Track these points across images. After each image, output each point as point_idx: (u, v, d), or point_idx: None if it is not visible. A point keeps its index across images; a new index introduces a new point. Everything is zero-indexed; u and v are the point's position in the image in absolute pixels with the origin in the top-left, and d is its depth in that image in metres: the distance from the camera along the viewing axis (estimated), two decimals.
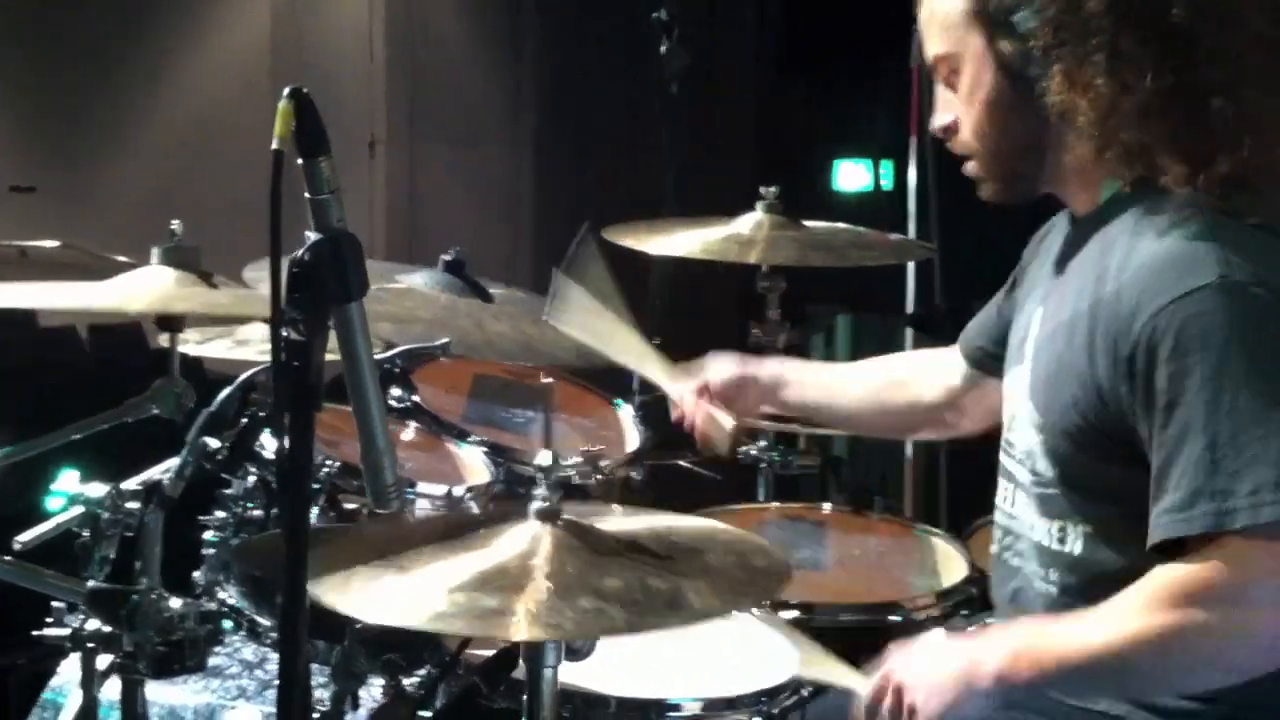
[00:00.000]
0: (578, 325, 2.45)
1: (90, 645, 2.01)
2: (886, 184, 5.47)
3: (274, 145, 1.41)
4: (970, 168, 1.93)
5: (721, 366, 2.43)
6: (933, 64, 1.91)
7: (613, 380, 2.92)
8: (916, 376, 2.38)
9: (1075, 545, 1.83)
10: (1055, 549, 1.85)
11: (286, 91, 1.44)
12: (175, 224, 2.29)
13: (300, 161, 1.47)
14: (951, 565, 2.79)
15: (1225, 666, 1.71)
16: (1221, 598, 1.66)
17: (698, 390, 2.41)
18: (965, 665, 1.78)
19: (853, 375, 2.47)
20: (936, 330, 4.23)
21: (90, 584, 2.00)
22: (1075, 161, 1.83)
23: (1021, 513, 1.92)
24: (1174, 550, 1.70)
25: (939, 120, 1.93)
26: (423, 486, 2.39)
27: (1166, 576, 1.69)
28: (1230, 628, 1.67)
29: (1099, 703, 1.83)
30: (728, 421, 2.39)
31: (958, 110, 1.90)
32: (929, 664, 1.82)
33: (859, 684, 1.92)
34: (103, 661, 2.03)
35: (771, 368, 2.46)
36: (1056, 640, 1.76)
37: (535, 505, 1.72)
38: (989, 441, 2.45)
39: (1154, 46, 1.73)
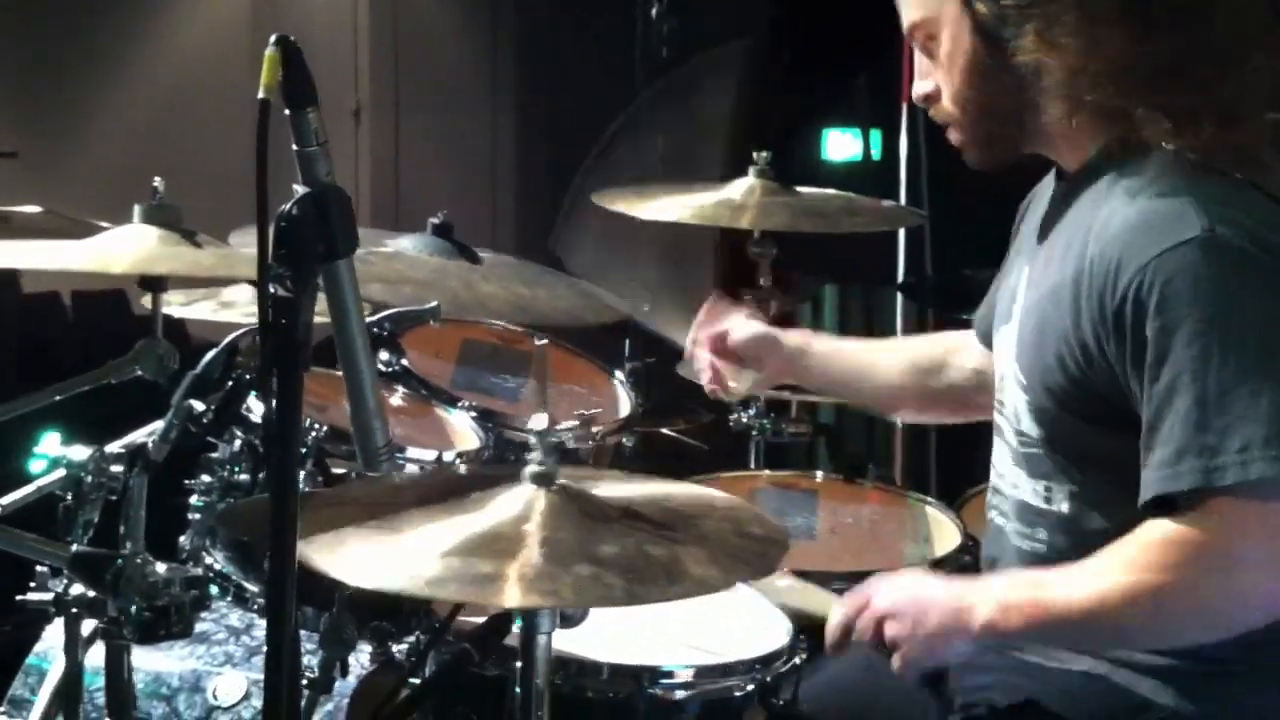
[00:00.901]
0: (586, 262, 2.39)
1: (74, 611, 1.97)
2: (876, 154, 5.44)
3: (260, 95, 1.37)
4: (952, 135, 1.92)
5: (744, 322, 2.34)
6: (910, 31, 1.89)
7: (604, 346, 2.90)
8: (948, 359, 2.31)
9: (1061, 504, 1.82)
10: (1041, 507, 1.85)
11: (273, 39, 1.40)
12: (157, 181, 2.25)
13: (287, 113, 1.43)
14: (944, 533, 2.78)
15: (1212, 624, 1.70)
16: (1210, 557, 1.65)
17: (715, 338, 2.35)
18: (952, 611, 1.76)
19: (882, 357, 2.37)
20: (927, 298, 4.22)
21: (74, 548, 1.96)
22: (1053, 123, 1.82)
23: (1008, 470, 1.91)
24: (1165, 506, 1.68)
25: (919, 89, 1.92)
26: (412, 452, 2.37)
27: (1157, 533, 1.68)
28: (1218, 587, 1.67)
29: (1081, 659, 1.82)
30: (743, 371, 2.32)
31: (937, 77, 1.88)
32: (916, 603, 1.79)
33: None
34: (87, 627, 2.00)
35: (798, 338, 2.37)
36: (1045, 593, 1.74)
37: (530, 469, 1.69)
38: None
39: (1127, 11, 1.72)
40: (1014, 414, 1.88)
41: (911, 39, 1.90)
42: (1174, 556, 1.66)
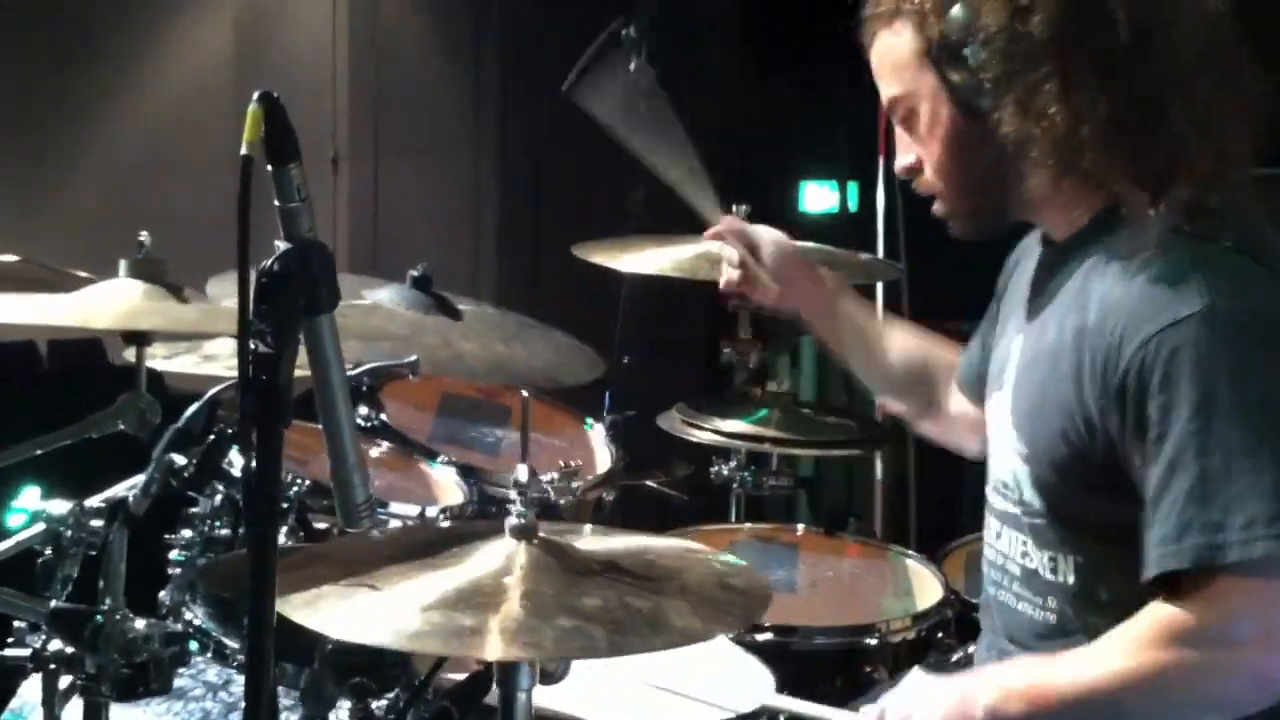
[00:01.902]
0: (609, 109, 2.30)
1: (52, 666, 1.96)
2: (853, 206, 5.46)
3: (243, 150, 1.37)
4: (937, 207, 1.92)
5: (779, 241, 2.29)
6: (889, 106, 1.89)
7: (584, 399, 2.90)
8: (947, 377, 2.28)
9: (1068, 576, 1.81)
10: (1048, 579, 1.83)
11: (256, 95, 1.40)
12: (144, 235, 2.24)
13: (269, 168, 1.43)
14: (926, 588, 2.78)
15: (1215, 704, 1.69)
16: (1211, 635, 1.64)
17: (744, 238, 2.29)
18: (957, 700, 1.76)
19: (905, 344, 2.32)
20: None
21: (52, 603, 1.95)
22: (1039, 190, 1.81)
23: (1008, 544, 1.90)
24: (1169, 582, 1.67)
25: (901, 162, 1.92)
26: (396, 507, 2.35)
27: (1158, 614, 1.68)
28: (1221, 666, 1.66)
29: None
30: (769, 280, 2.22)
31: (918, 150, 1.88)
32: (922, 702, 1.79)
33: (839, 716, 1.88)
34: (65, 683, 1.98)
35: (833, 279, 2.32)
36: (1048, 677, 1.74)
37: (511, 522, 1.68)
38: (958, 465, 2.43)
39: (1103, 67, 1.72)
40: (1015, 484, 1.87)
41: (891, 113, 1.90)
42: (1177, 636, 1.65)
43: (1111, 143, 1.72)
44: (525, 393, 1.87)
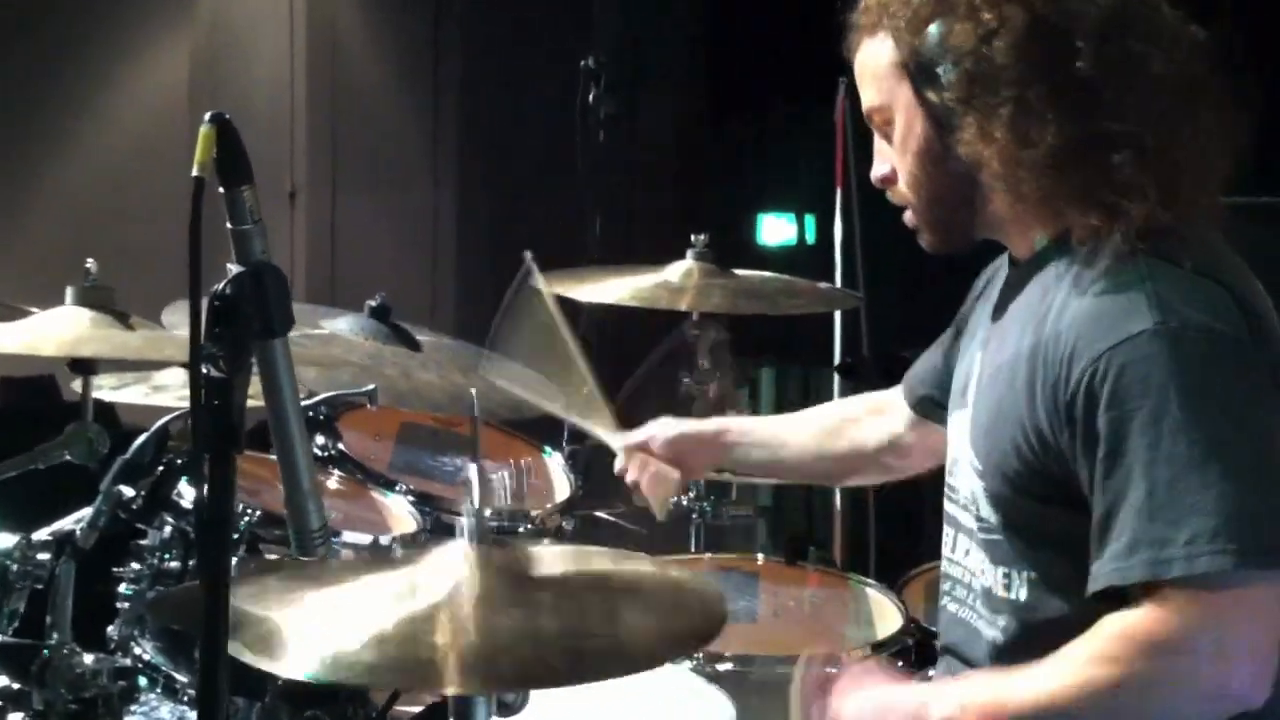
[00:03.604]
0: (516, 378, 2.39)
1: None
2: (810, 238, 5.47)
3: (194, 172, 1.35)
4: (908, 217, 1.93)
5: (664, 425, 2.38)
6: (868, 114, 1.91)
7: (542, 429, 2.88)
8: (857, 422, 2.33)
9: (1020, 592, 1.81)
10: (1001, 595, 1.83)
11: (208, 116, 1.38)
12: (90, 263, 2.22)
13: (221, 191, 1.41)
14: (886, 616, 2.77)
15: (1167, 717, 1.69)
16: (1161, 648, 1.64)
17: (639, 447, 2.37)
18: (912, 711, 1.75)
19: (794, 426, 2.41)
20: (864, 379, 4.23)
21: None
22: (1001, 210, 1.83)
23: (967, 559, 1.90)
24: (1118, 597, 1.67)
25: (877, 170, 1.94)
26: (348, 536, 2.33)
27: (1109, 628, 1.67)
28: (1171, 679, 1.65)
29: None
30: (672, 473, 2.34)
31: (893, 160, 1.89)
32: (878, 709, 1.78)
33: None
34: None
35: (714, 425, 2.41)
36: (1002, 692, 1.73)
37: (462, 521, 1.65)
38: (918, 492, 2.43)
39: (1060, 98, 1.72)
40: (971, 499, 1.87)
41: (870, 121, 1.91)
42: (1127, 650, 1.65)
43: (1054, 172, 1.73)
44: (472, 389, 1.85)
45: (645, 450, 2.36)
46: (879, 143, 1.92)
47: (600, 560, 1.84)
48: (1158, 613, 1.63)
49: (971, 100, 1.75)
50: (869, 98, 1.89)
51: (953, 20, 1.76)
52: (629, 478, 2.39)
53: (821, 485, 3.74)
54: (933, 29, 1.77)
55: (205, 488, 1.39)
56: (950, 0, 1.77)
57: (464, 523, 1.67)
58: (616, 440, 2.40)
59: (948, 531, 1.95)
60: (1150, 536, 1.62)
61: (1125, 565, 1.64)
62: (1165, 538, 1.61)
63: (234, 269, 1.42)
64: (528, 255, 2.43)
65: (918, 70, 1.80)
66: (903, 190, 1.90)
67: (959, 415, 1.94)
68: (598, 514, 3.28)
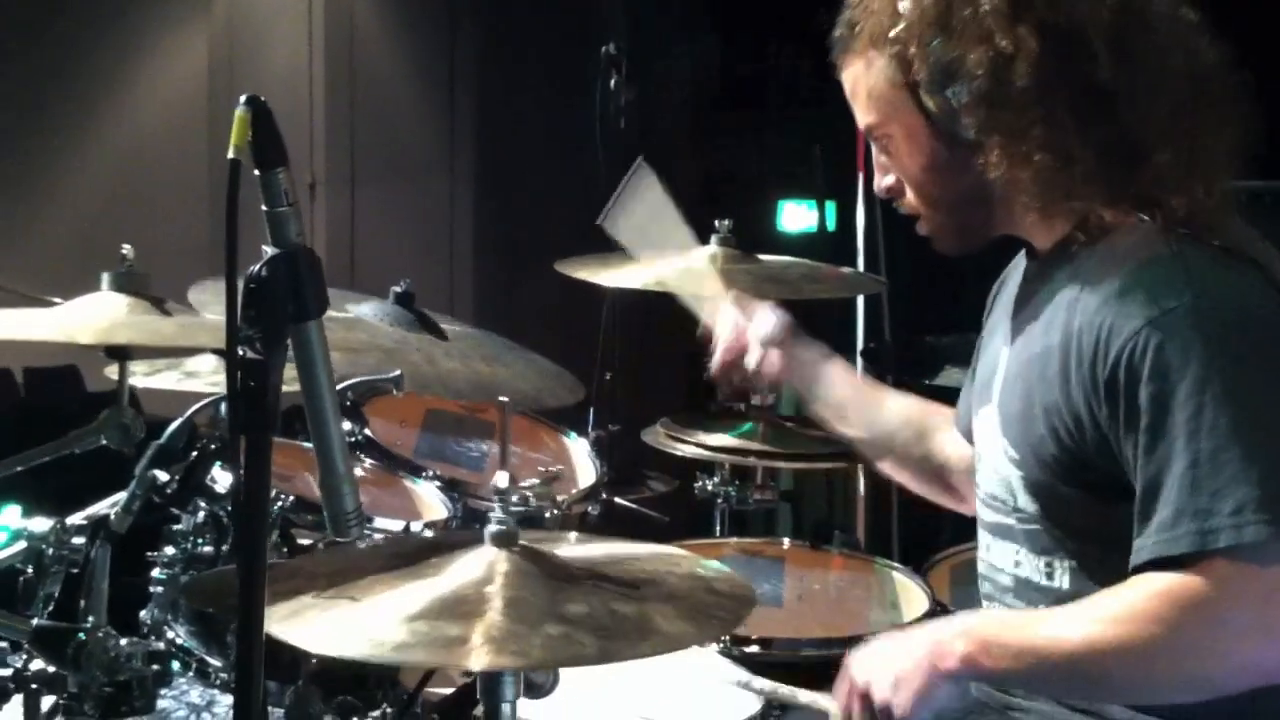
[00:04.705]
0: (633, 234, 2.40)
1: (34, 686, 1.95)
2: (831, 225, 5.47)
3: (230, 154, 1.36)
4: (921, 227, 1.92)
5: (770, 322, 2.24)
6: (866, 131, 1.89)
7: (568, 414, 2.89)
8: (932, 432, 2.24)
9: (1063, 580, 1.81)
10: (1043, 584, 1.83)
11: (243, 99, 1.39)
12: (126, 248, 2.22)
13: (256, 173, 1.42)
14: (912, 599, 2.77)
15: (1196, 684, 1.69)
16: (1202, 617, 1.64)
17: (736, 328, 2.26)
18: (929, 650, 1.74)
19: (893, 400, 2.29)
20: (887, 364, 4.23)
21: (35, 622, 1.93)
22: (1021, 212, 1.83)
23: (999, 555, 1.90)
24: (1163, 570, 1.67)
25: (881, 183, 1.92)
26: (380, 522, 2.33)
27: (1153, 586, 1.67)
28: (1207, 647, 1.65)
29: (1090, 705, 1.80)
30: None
31: (896, 172, 1.89)
32: (889, 658, 1.78)
33: (825, 703, 1.87)
34: (47, 703, 1.97)
35: (815, 353, 2.26)
36: (1030, 633, 1.72)
37: (491, 529, 1.66)
38: None
39: (1086, 109, 1.73)
40: (1007, 491, 1.86)
41: (868, 137, 1.90)
42: (1168, 612, 1.65)
43: (1097, 180, 1.74)
44: (503, 398, 1.86)
45: (740, 336, 2.25)
46: (878, 155, 1.90)
47: (627, 547, 1.84)
48: (1204, 581, 1.64)
49: (993, 121, 1.74)
50: (866, 117, 1.87)
51: (959, 44, 1.74)
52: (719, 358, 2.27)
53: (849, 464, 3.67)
54: (940, 52, 1.76)
55: (241, 469, 1.40)
56: (952, 22, 1.75)
57: (490, 530, 1.67)
58: (721, 291, 2.31)
59: (980, 530, 1.95)
60: (1195, 507, 1.63)
61: (1171, 536, 1.65)
62: (1210, 508, 1.62)
63: (269, 251, 1.43)
64: (639, 160, 2.42)
65: (925, 91, 1.78)
66: (912, 200, 1.89)
67: (985, 411, 1.93)
68: (619, 501, 3.28)
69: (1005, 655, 1.71)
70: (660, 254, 2.40)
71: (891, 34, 1.79)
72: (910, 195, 1.89)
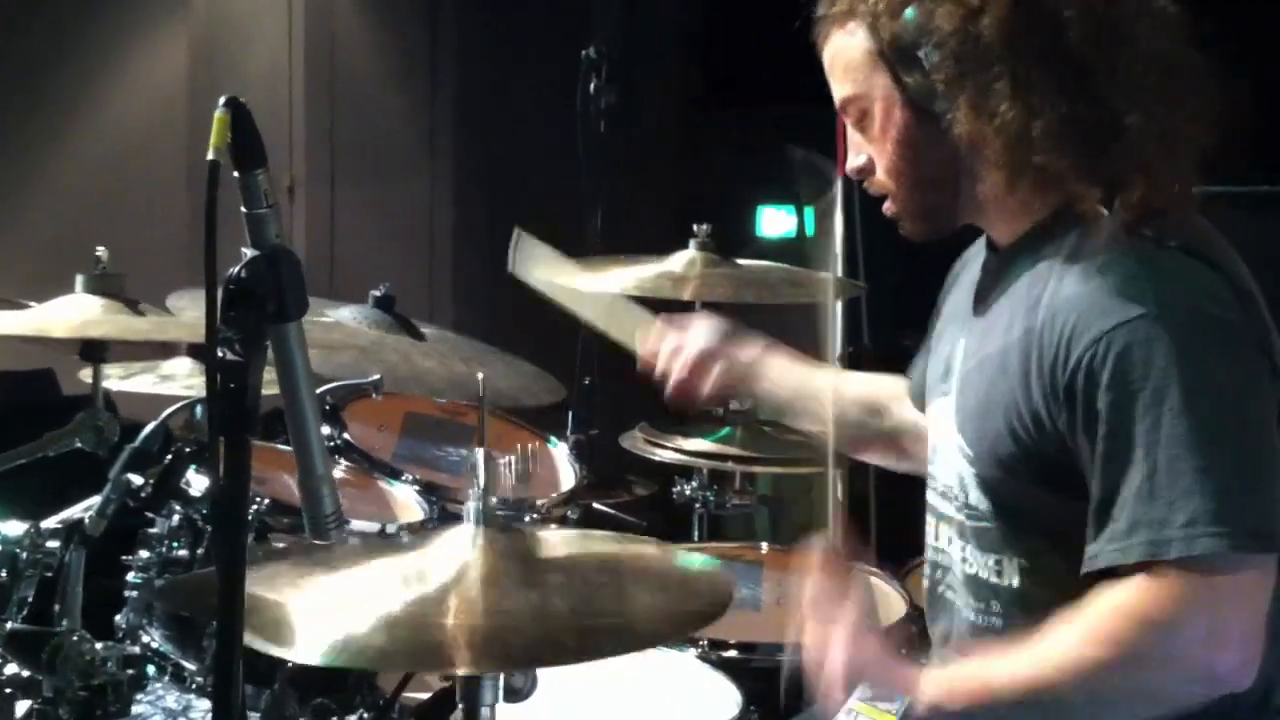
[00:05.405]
0: (542, 278, 2.36)
1: (9, 690, 1.93)
2: (810, 230, 5.47)
3: (209, 155, 1.35)
4: (888, 207, 1.92)
5: (703, 334, 2.22)
6: (842, 106, 1.89)
7: (547, 418, 2.88)
8: (890, 404, 2.25)
9: (1012, 578, 1.81)
10: (993, 582, 1.83)
11: (223, 100, 1.38)
12: (101, 250, 2.21)
13: (235, 175, 1.42)
14: (889, 604, 2.77)
15: (1153, 698, 1.69)
16: (1155, 627, 1.64)
17: (672, 351, 2.23)
18: (903, 680, 1.76)
19: (842, 384, 2.27)
20: (865, 368, 4.23)
21: (8, 626, 1.92)
22: (990, 191, 1.82)
23: (952, 548, 1.90)
24: (1114, 579, 1.67)
25: (853, 162, 1.92)
26: (356, 524, 2.32)
27: (1103, 606, 1.67)
28: (1161, 657, 1.66)
29: None
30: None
31: (870, 151, 1.88)
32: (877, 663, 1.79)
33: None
34: (21, 707, 1.96)
35: (751, 353, 2.23)
36: (990, 671, 1.73)
37: (469, 505, 1.66)
38: (918, 481, 2.42)
39: (1056, 68, 1.72)
40: (959, 487, 1.86)
41: (844, 114, 1.90)
42: (1120, 627, 1.65)
43: (1065, 141, 1.72)
44: (480, 374, 1.85)
45: (677, 354, 2.21)
46: (853, 134, 1.90)
47: (606, 543, 1.84)
48: (1153, 592, 1.64)
49: (962, 79, 1.74)
50: (842, 90, 1.87)
51: (932, 3, 1.75)
52: (661, 352, 2.24)
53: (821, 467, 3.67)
54: (910, 13, 1.76)
55: (220, 471, 1.39)
56: None
57: (470, 506, 1.67)
58: (652, 327, 2.27)
59: (929, 520, 1.95)
60: (1150, 517, 1.63)
61: (1124, 545, 1.65)
62: (1165, 519, 1.63)
63: (248, 253, 1.42)
64: (516, 231, 2.46)
65: (896, 56, 1.79)
66: (882, 179, 1.89)
67: (941, 402, 1.93)
68: (597, 505, 3.28)
69: (968, 695, 1.73)
70: (572, 290, 2.39)
71: (869, 0, 1.80)
72: (880, 173, 1.88)
